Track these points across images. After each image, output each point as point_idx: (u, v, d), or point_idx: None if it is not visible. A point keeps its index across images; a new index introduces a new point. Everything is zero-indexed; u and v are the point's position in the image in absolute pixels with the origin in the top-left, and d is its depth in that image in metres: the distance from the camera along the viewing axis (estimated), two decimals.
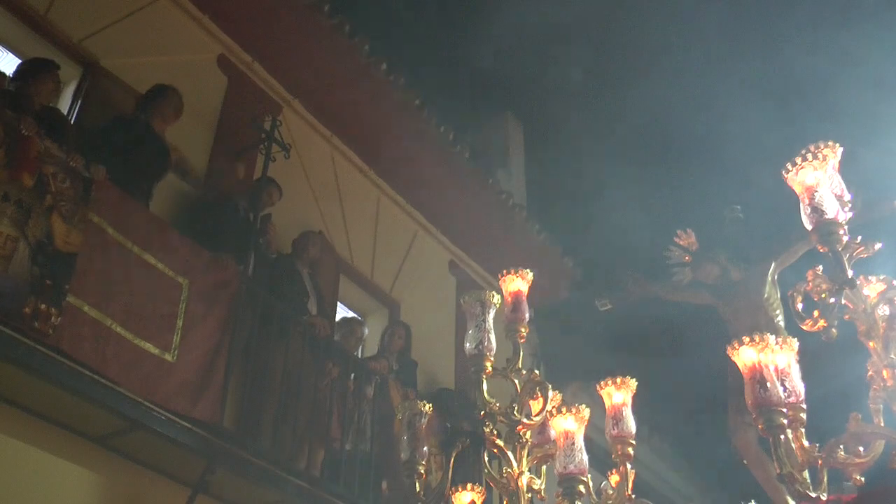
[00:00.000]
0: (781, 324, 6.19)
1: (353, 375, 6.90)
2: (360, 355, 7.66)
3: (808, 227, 3.40)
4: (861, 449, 3.26)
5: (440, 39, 13.77)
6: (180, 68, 6.97)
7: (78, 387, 4.88)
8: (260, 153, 7.20)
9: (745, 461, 6.17)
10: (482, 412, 3.89)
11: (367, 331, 7.80)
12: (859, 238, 3.43)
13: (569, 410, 3.82)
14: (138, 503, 5.47)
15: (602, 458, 4.44)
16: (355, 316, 8.32)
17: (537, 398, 3.96)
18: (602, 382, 4.05)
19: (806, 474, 3.26)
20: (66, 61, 6.28)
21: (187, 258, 5.80)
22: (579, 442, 3.77)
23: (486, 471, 4.09)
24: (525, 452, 3.96)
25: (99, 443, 5.32)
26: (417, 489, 4.16)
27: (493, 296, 4.10)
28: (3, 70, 5.72)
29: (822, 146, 3.47)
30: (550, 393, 3.96)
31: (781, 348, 3.38)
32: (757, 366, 3.28)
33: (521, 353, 4.06)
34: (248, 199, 6.88)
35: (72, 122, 6.07)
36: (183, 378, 5.46)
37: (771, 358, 3.32)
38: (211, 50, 7.61)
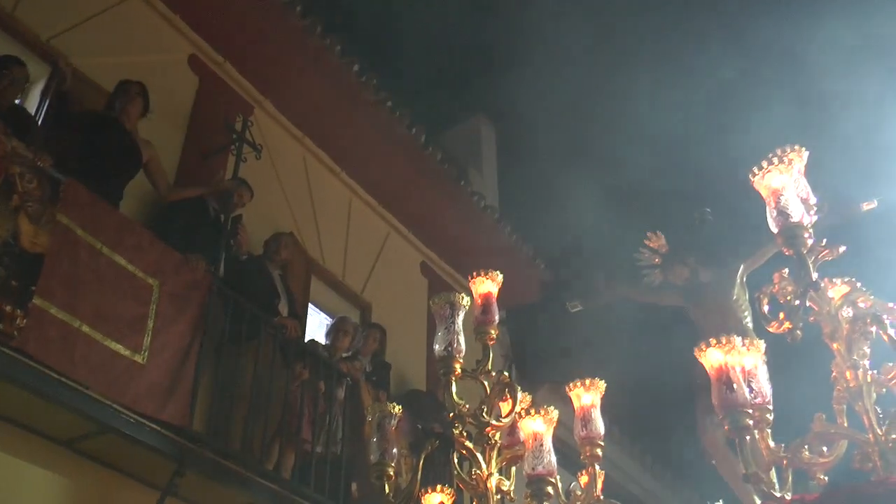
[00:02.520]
0: (750, 325, 6.27)
1: (321, 381, 6.86)
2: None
3: (774, 230, 3.44)
4: (825, 449, 3.30)
5: (413, 41, 13.78)
6: (151, 68, 6.90)
7: (45, 389, 4.82)
8: (231, 154, 7.16)
9: (713, 461, 6.25)
10: (451, 414, 3.89)
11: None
12: (824, 241, 3.47)
13: (537, 412, 3.84)
14: None
15: (573, 459, 4.46)
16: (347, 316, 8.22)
17: (506, 400, 3.97)
18: (571, 384, 4.08)
19: (773, 474, 3.30)
20: (33, 60, 6.18)
21: (158, 259, 5.75)
22: (548, 443, 3.79)
23: (455, 472, 4.09)
24: (494, 454, 3.97)
25: (66, 446, 5.26)
26: (387, 491, 4.16)
27: (463, 298, 4.10)
28: None
29: (788, 150, 3.51)
30: (520, 395, 3.97)
31: (748, 350, 3.42)
32: (724, 367, 3.31)
33: (491, 355, 4.07)
34: (218, 200, 6.84)
35: (39, 121, 6.00)
36: (153, 380, 5.41)
37: (737, 359, 3.35)
38: (182, 49, 7.56)
